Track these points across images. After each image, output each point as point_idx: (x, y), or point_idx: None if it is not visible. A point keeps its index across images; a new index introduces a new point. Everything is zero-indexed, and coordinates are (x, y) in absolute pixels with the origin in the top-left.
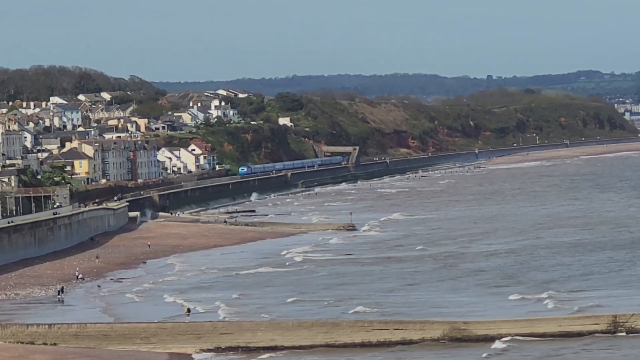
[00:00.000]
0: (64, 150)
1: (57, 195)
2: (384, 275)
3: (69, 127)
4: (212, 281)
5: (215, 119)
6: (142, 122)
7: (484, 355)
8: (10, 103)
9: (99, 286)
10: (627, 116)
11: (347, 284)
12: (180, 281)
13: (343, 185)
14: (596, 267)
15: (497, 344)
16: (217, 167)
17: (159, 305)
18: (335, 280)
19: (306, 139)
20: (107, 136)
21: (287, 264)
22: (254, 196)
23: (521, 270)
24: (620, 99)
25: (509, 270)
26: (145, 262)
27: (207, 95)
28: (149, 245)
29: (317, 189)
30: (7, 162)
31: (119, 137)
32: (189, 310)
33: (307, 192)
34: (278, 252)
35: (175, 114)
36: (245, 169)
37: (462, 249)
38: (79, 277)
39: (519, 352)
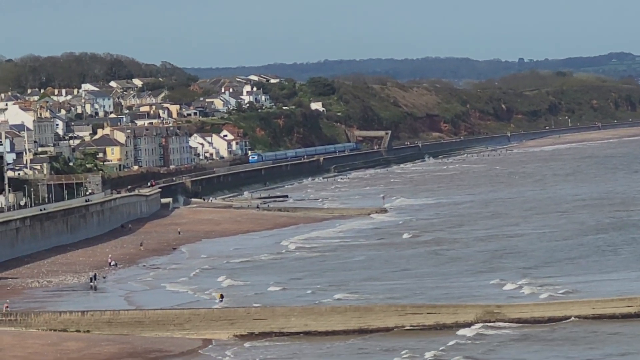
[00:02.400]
0: (96, 137)
1: (89, 182)
2: (411, 257)
3: (101, 114)
4: (249, 266)
5: (247, 105)
6: (174, 108)
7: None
8: (42, 90)
9: (132, 272)
10: None
11: (376, 267)
12: (212, 266)
13: (375, 170)
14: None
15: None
16: (249, 153)
17: (191, 291)
18: (371, 264)
19: (338, 124)
20: (139, 123)
21: (319, 247)
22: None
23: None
24: None
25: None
26: (177, 249)
27: (238, 81)
28: (180, 232)
29: (350, 174)
30: (39, 149)
31: (151, 123)
32: (222, 296)
33: (340, 177)
34: (310, 237)
35: (207, 100)
36: (256, 157)
37: (508, 230)
38: (111, 264)
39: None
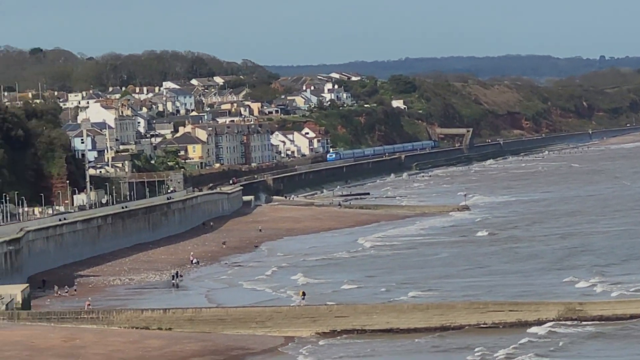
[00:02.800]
0: (178, 135)
1: (171, 180)
2: (488, 255)
3: (182, 111)
4: (325, 264)
5: (329, 102)
6: (255, 106)
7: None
8: (124, 88)
9: (216, 270)
10: None
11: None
12: (290, 264)
13: (457, 167)
14: None
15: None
16: (331, 150)
17: (272, 289)
18: (449, 261)
19: (419, 121)
20: (220, 120)
21: (398, 245)
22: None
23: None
24: None
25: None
26: (258, 246)
27: (320, 79)
28: (260, 230)
29: (431, 171)
30: (121, 147)
31: (232, 121)
32: (304, 293)
33: (421, 174)
34: (390, 235)
35: (288, 98)
36: (334, 155)
37: (587, 227)
38: (193, 261)
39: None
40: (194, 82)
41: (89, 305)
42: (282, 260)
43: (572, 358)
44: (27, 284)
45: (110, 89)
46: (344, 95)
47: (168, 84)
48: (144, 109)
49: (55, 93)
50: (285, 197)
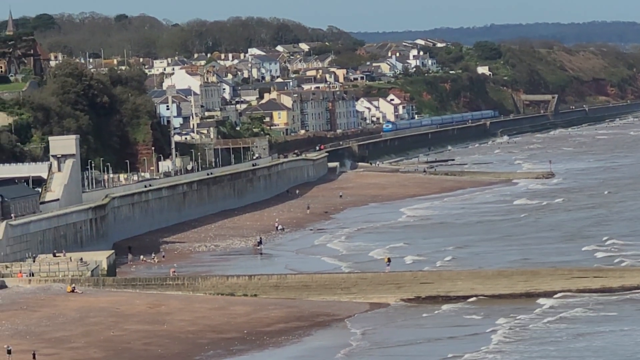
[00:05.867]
0: (263, 101)
1: (256, 147)
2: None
3: (267, 78)
4: (415, 225)
5: (414, 69)
6: (341, 72)
7: None
8: (209, 55)
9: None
10: None
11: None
12: (384, 230)
13: (541, 134)
14: None
15: None
16: (416, 117)
17: (366, 255)
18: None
19: (505, 88)
20: (306, 87)
21: (482, 210)
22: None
23: None
24: None
25: None
26: (343, 212)
27: (405, 45)
28: (341, 195)
29: (512, 137)
30: (206, 113)
31: (318, 87)
32: (389, 259)
33: (507, 141)
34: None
35: (373, 64)
36: (390, 126)
37: None
38: (278, 228)
39: None
40: (279, 48)
41: (174, 272)
42: (363, 226)
43: None
44: (113, 251)
45: (196, 55)
46: (429, 61)
47: (253, 51)
48: (229, 76)
49: (141, 60)
50: (371, 163)
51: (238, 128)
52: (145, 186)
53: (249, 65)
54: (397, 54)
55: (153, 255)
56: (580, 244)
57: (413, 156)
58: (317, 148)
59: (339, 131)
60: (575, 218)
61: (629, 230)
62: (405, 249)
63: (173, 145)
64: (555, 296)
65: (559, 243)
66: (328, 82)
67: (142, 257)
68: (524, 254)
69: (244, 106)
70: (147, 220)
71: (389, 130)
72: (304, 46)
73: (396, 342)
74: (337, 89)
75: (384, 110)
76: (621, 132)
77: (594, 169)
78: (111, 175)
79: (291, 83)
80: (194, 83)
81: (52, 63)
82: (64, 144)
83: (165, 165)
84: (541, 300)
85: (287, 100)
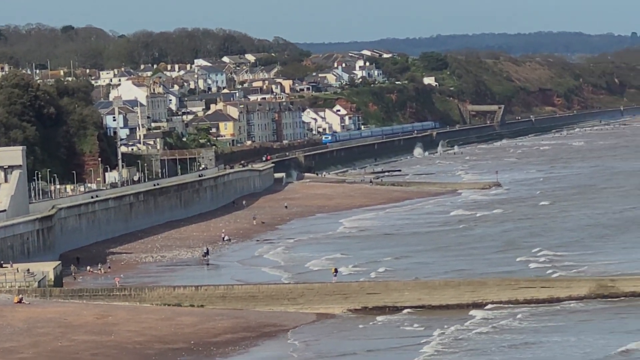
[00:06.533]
0: (209, 112)
1: (203, 158)
2: (508, 231)
3: (214, 89)
4: (358, 238)
5: (360, 80)
6: (287, 83)
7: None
8: (155, 66)
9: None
10: None
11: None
12: (325, 241)
13: (488, 144)
14: None
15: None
16: (363, 128)
17: (303, 266)
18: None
19: (451, 98)
20: (252, 98)
21: (429, 221)
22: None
23: None
24: None
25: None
26: (288, 223)
27: (351, 56)
28: (286, 206)
29: (460, 148)
30: (153, 124)
31: (264, 98)
32: (336, 270)
33: (452, 151)
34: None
35: (319, 75)
36: (330, 137)
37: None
38: (225, 238)
39: None
40: (225, 59)
41: (119, 280)
42: (308, 237)
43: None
44: (59, 262)
45: (142, 66)
46: (376, 72)
47: (199, 62)
48: (176, 87)
49: (87, 71)
50: (317, 174)
51: (184, 139)
52: (92, 197)
53: (195, 76)
54: (343, 65)
55: (99, 266)
56: (514, 255)
57: (359, 167)
58: (264, 159)
59: (285, 142)
60: (511, 229)
61: (561, 242)
62: (342, 259)
63: (120, 156)
64: (502, 306)
65: (492, 254)
66: (274, 93)
67: (88, 267)
68: (459, 265)
69: (190, 117)
70: (94, 231)
71: (329, 142)
72: (250, 57)
73: (339, 353)
74: (284, 99)
75: (330, 121)
76: (565, 143)
77: (533, 180)
78: (58, 186)
79: (237, 94)
80: (141, 94)
81: None
82: (11, 155)
83: (112, 176)
84: (486, 311)
85: (233, 111)
